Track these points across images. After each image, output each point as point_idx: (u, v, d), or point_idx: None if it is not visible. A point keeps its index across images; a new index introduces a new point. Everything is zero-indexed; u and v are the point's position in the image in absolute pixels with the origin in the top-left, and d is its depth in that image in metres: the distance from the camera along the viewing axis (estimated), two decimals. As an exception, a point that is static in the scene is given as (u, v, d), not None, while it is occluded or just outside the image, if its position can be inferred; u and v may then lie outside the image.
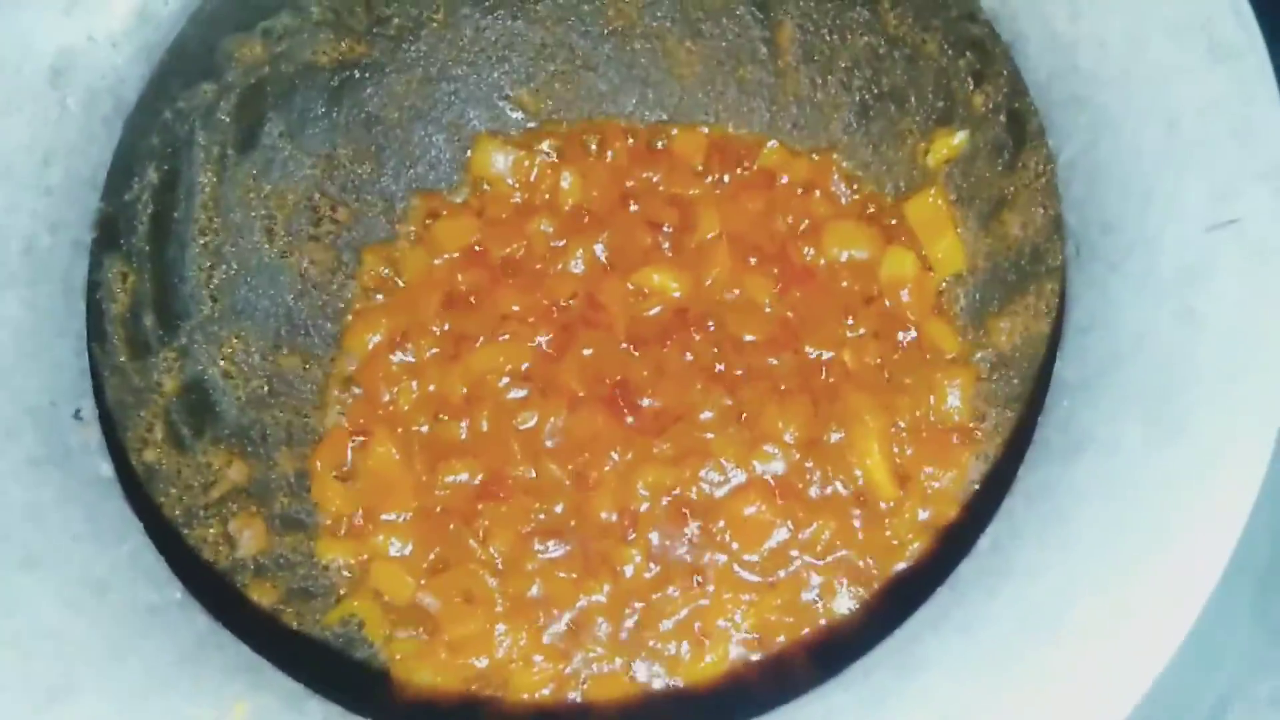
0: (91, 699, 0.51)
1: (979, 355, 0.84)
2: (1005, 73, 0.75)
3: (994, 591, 0.48)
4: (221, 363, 0.83)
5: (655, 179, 0.92)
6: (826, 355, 0.86)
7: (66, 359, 0.57)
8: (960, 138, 0.83)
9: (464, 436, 0.86)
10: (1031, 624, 0.47)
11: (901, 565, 0.82)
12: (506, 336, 0.88)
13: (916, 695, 0.47)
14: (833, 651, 0.77)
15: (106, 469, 0.55)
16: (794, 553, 0.83)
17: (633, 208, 0.91)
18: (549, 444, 0.85)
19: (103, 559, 0.52)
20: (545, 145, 0.93)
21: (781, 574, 0.82)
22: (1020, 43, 0.59)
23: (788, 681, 0.77)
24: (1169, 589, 0.47)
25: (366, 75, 0.88)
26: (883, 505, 0.83)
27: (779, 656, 0.80)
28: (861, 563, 0.83)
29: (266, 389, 0.86)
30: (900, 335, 0.86)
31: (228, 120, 0.79)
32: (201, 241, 0.81)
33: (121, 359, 0.73)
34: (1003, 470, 0.81)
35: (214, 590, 0.75)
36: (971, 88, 0.79)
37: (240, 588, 0.77)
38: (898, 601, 0.79)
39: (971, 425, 0.84)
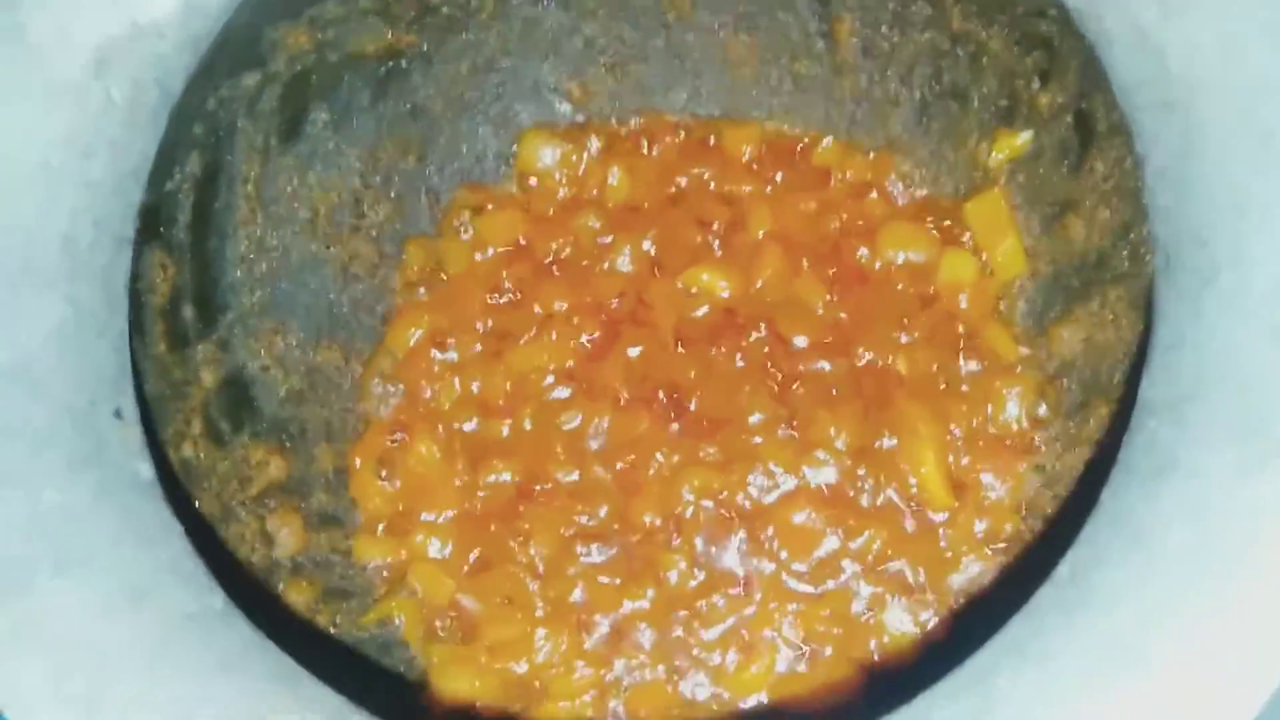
0: (128, 712, 0.49)
1: (1040, 363, 0.82)
2: (1073, 71, 0.74)
3: (1074, 622, 0.46)
4: (261, 356, 0.82)
5: (706, 176, 0.90)
6: (880, 360, 0.84)
7: (107, 357, 0.56)
8: (1024, 138, 0.81)
9: (506, 436, 0.85)
10: (1115, 657, 0.45)
11: (956, 577, 0.80)
12: (552, 335, 0.86)
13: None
14: (888, 672, 0.75)
15: (146, 470, 0.53)
16: (844, 562, 0.81)
17: (682, 205, 0.89)
18: (593, 445, 0.84)
19: (141, 565, 0.50)
20: (593, 140, 0.92)
21: (831, 584, 0.80)
22: (1105, 43, 0.57)
23: (842, 707, 0.74)
24: (1263, 623, 0.45)
25: (413, 66, 0.87)
26: (937, 516, 0.81)
27: (828, 674, 0.77)
28: (914, 575, 0.81)
29: (306, 384, 0.85)
30: (957, 341, 0.84)
31: (272, 110, 0.78)
32: (243, 233, 0.79)
33: (160, 351, 0.72)
34: (1063, 482, 0.79)
35: (251, 593, 0.73)
36: (1037, 87, 0.78)
37: (277, 590, 0.75)
38: (956, 620, 0.76)
39: (1030, 435, 0.82)
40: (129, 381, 0.57)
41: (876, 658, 0.79)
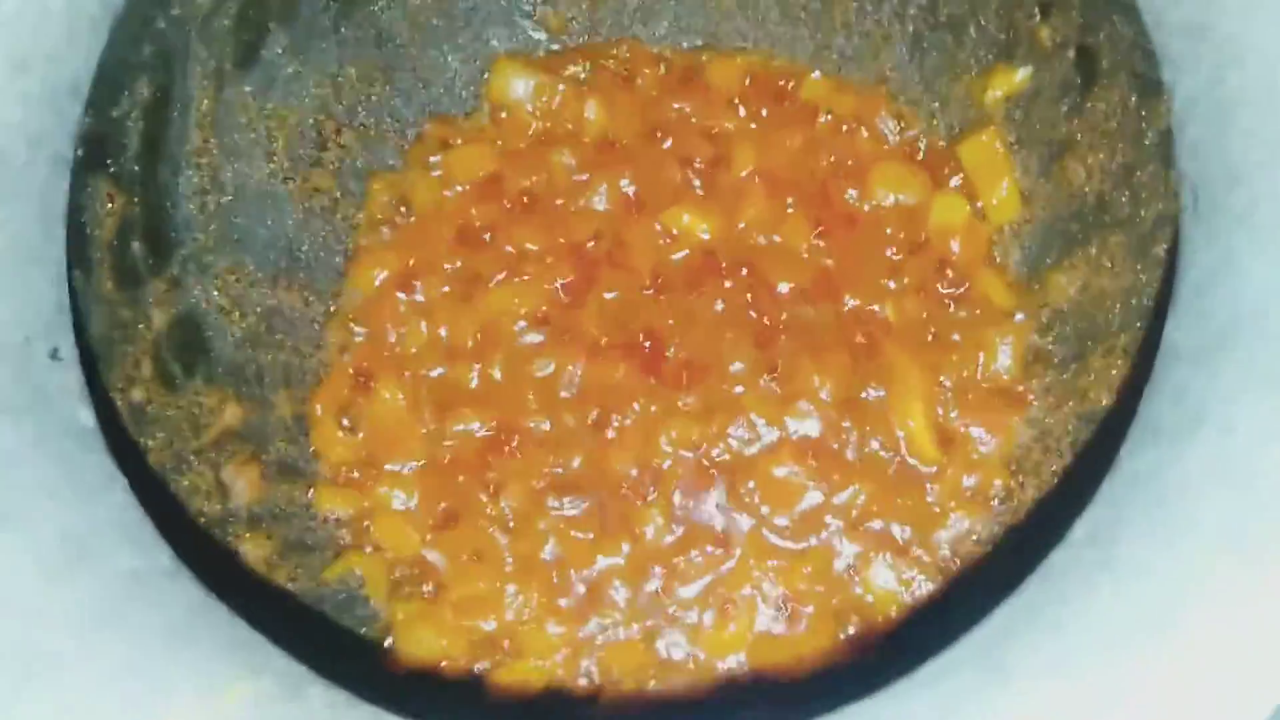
0: (69, 676, 0.45)
1: (1033, 311, 0.81)
2: (1077, 3, 0.71)
3: (1094, 588, 0.43)
4: (216, 296, 0.79)
5: (687, 110, 0.88)
6: (868, 307, 0.82)
7: (43, 290, 0.51)
8: (1023, 74, 0.79)
9: (475, 383, 0.83)
10: (1140, 628, 0.42)
11: (943, 534, 0.79)
12: (524, 277, 0.84)
13: (1007, 705, 0.41)
14: (879, 637, 0.73)
15: (87, 416, 0.49)
16: (827, 518, 0.79)
17: (662, 141, 0.87)
18: (566, 394, 0.82)
19: (81, 518, 0.46)
20: (569, 70, 0.89)
21: (813, 540, 0.79)
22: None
23: (833, 667, 0.72)
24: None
25: None
26: (924, 470, 0.80)
27: (811, 635, 0.75)
28: (900, 532, 0.79)
29: (264, 326, 0.82)
30: (948, 287, 0.83)
31: (227, 32, 0.75)
32: (196, 164, 0.76)
33: (107, 289, 0.69)
34: (1055, 435, 0.77)
35: (204, 549, 0.69)
36: (1038, 19, 0.76)
37: (232, 544, 0.71)
38: (953, 582, 0.74)
39: (1022, 387, 0.80)
40: (68, 319, 0.52)
41: (858, 618, 0.77)
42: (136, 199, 0.71)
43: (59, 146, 0.54)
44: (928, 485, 0.79)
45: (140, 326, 0.72)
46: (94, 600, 0.46)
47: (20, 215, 0.52)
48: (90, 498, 0.47)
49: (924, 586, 0.77)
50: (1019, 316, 0.81)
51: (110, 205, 0.69)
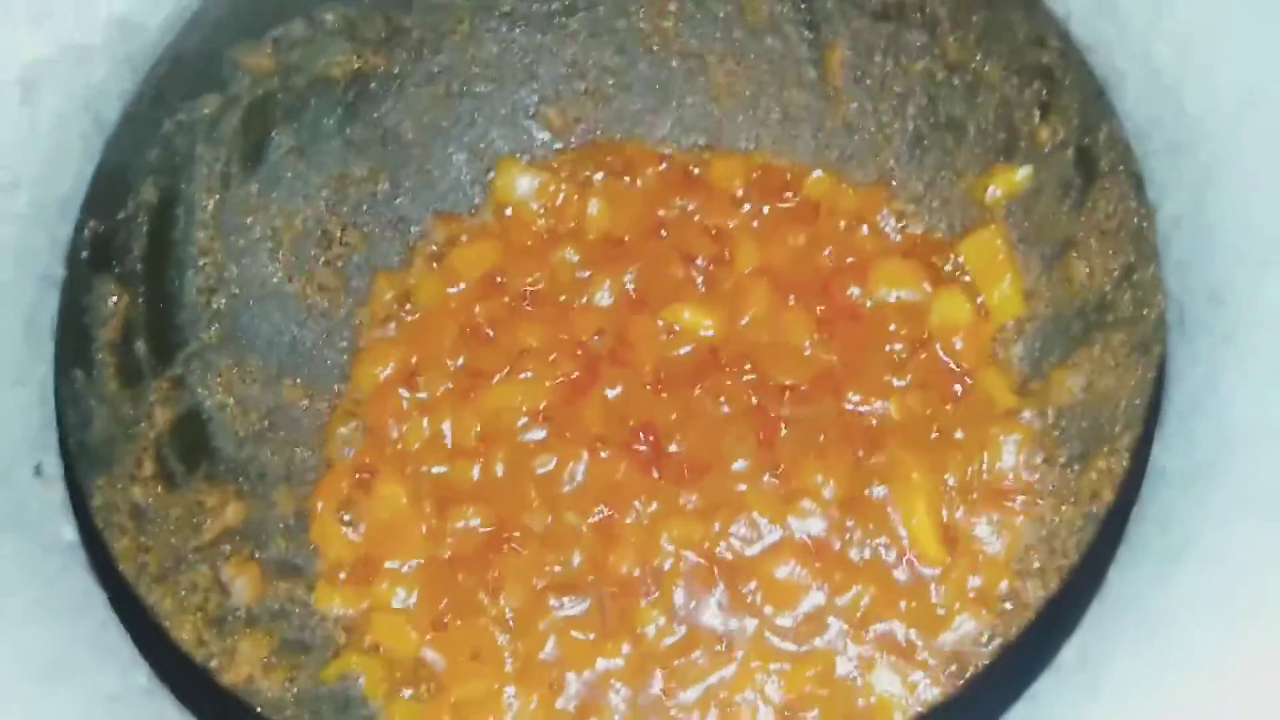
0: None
1: (1037, 410, 0.80)
2: (1076, 104, 0.71)
3: (1081, 716, 0.42)
4: (219, 394, 0.79)
5: (690, 208, 0.88)
6: (871, 404, 0.82)
7: (28, 408, 0.51)
8: (1023, 173, 0.79)
9: (476, 480, 0.83)
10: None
11: (948, 636, 0.77)
12: (526, 374, 0.84)
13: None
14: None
15: (68, 532, 0.49)
16: (830, 619, 0.78)
17: (665, 238, 0.87)
18: (567, 491, 0.81)
19: (59, 639, 0.46)
20: (573, 169, 0.90)
21: (816, 642, 0.78)
22: (1116, 81, 0.53)
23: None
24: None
25: (383, 89, 0.84)
26: (928, 571, 0.78)
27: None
28: (904, 634, 0.77)
29: (266, 423, 0.82)
30: (951, 385, 0.82)
31: (232, 134, 0.76)
32: (201, 264, 0.77)
33: (110, 389, 0.70)
34: (1060, 537, 0.76)
35: (182, 665, 0.69)
36: (1037, 120, 0.76)
37: (208, 663, 0.71)
38: (952, 690, 0.72)
39: (1028, 486, 0.79)
40: (53, 435, 0.52)
41: None
42: (141, 298, 0.72)
43: (47, 264, 0.54)
44: (932, 586, 0.78)
45: (142, 425, 0.73)
46: (71, 722, 0.45)
47: (6, 335, 0.52)
48: (69, 617, 0.47)
49: (929, 691, 0.76)
50: (1023, 415, 0.80)
51: (114, 304, 0.69)
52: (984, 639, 0.76)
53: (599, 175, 0.89)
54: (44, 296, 0.54)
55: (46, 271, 0.54)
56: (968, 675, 0.72)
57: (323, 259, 0.86)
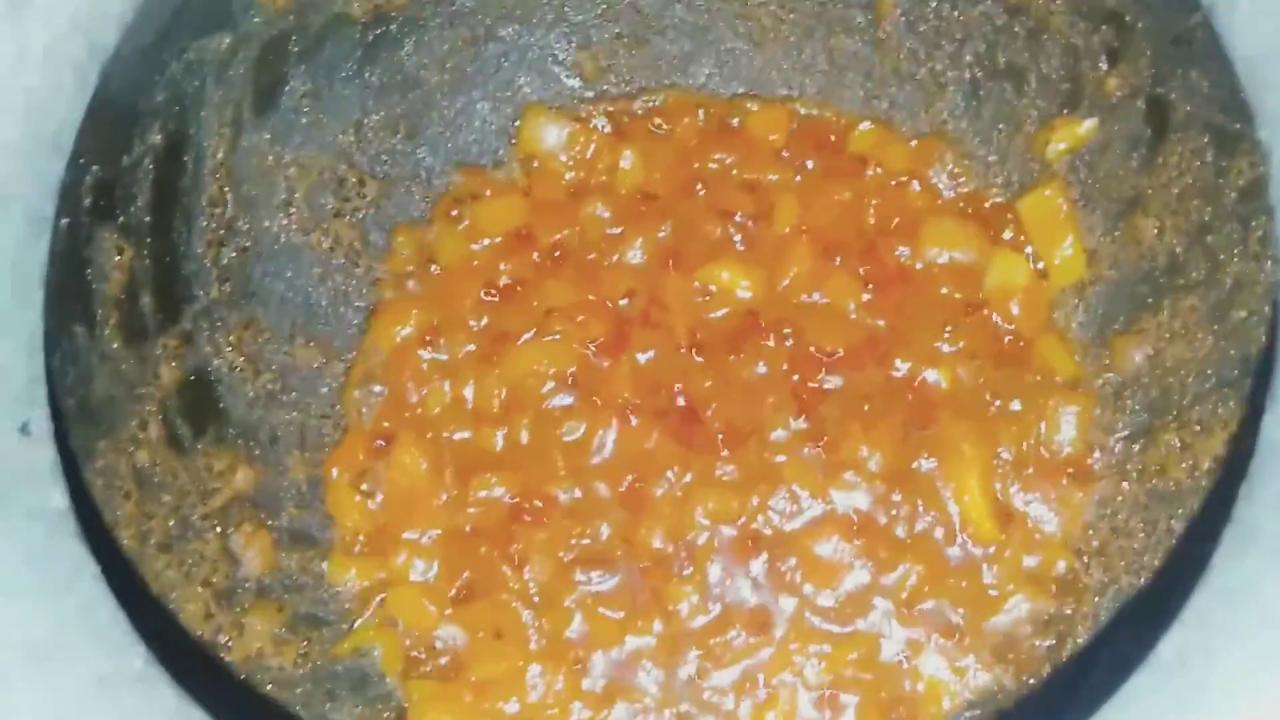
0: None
1: (1099, 379, 0.78)
2: (1149, 51, 0.70)
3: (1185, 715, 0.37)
4: (229, 352, 0.78)
5: (728, 161, 0.86)
6: (920, 372, 0.80)
7: (15, 361, 0.48)
8: (1088, 126, 0.77)
9: (500, 447, 0.81)
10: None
11: (1000, 620, 0.75)
12: (553, 336, 0.82)
13: None
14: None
15: (58, 498, 0.45)
16: (876, 599, 0.76)
17: (701, 193, 0.85)
18: (596, 460, 0.80)
19: (45, 617, 0.42)
20: (604, 118, 0.88)
21: (860, 624, 0.76)
22: (1225, 7, 0.48)
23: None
24: None
25: (404, 31, 0.83)
26: (980, 549, 0.77)
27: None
28: (954, 615, 0.75)
29: (279, 384, 0.81)
30: (1007, 353, 0.80)
31: (244, 77, 0.74)
32: (210, 214, 0.76)
33: (113, 346, 0.68)
34: (1125, 517, 0.73)
35: (182, 643, 0.66)
36: (1105, 68, 0.74)
37: (213, 643, 0.69)
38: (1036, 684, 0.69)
39: (1087, 461, 0.77)
40: (41, 389, 0.49)
41: (906, 710, 0.74)
42: (146, 251, 0.71)
43: (35, 203, 0.50)
44: (984, 566, 0.76)
45: (148, 386, 0.71)
46: (56, 712, 0.41)
47: (-11, 282, 0.49)
48: (57, 592, 0.43)
49: (979, 677, 0.74)
50: (1083, 385, 0.78)
51: (119, 258, 0.68)
52: (1040, 622, 0.74)
53: (631, 124, 0.88)
54: (32, 240, 0.51)
55: (35, 212, 0.50)
56: (1049, 669, 0.68)
57: (339, 211, 0.84)
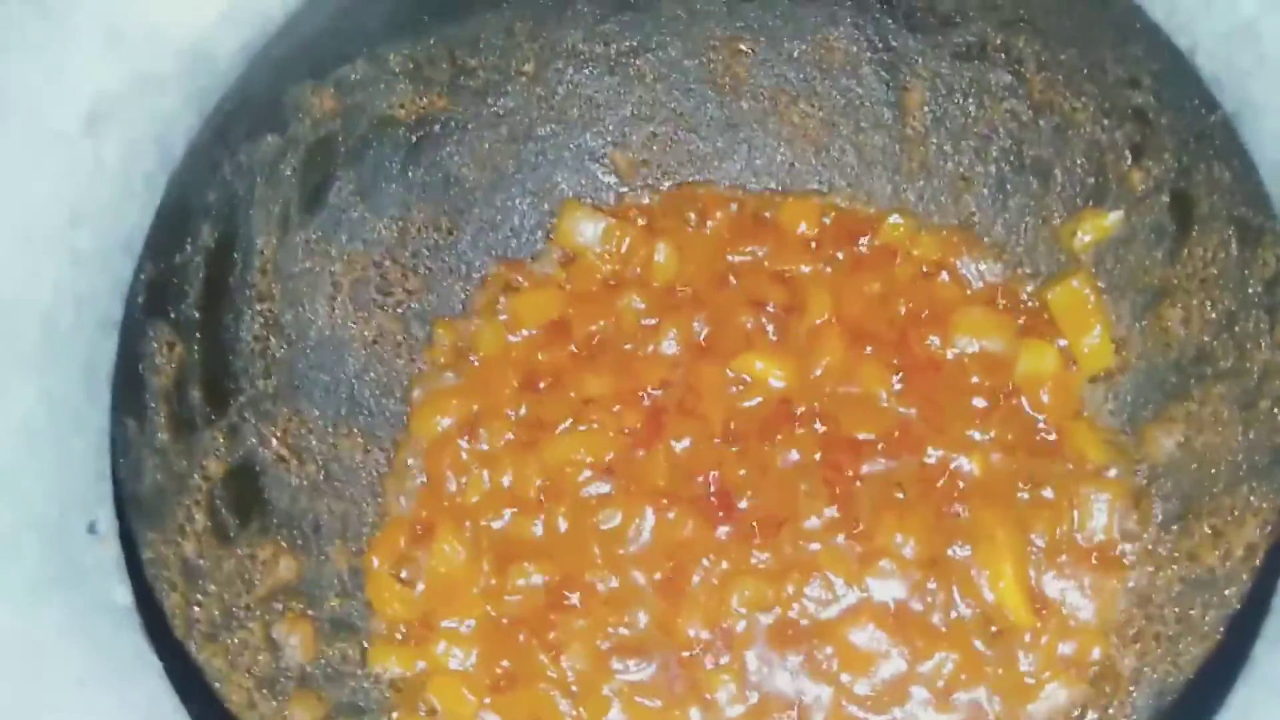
0: None
1: (1131, 467, 0.78)
2: (1172, 146, 0.71)
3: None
4: (274, 444, 0.78)
5: (761, 254, 0.86)
6: (952, 459, 0.80)
7: (83, 459, 0.49)
8: (1114, 218, 0.78)
9: (538, 535, 0.81)
10: None
11: (1037, 707, 0.75)
12: (590, 425, 0.82)
13: None
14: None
15: (122, 595, 0.46)
16: (912, 688, 0.75)
17: (734, 285, 0.85)
18: (633, 548, 0.80)
19: (110, 709, 0.43)
20: (639, 213, 0.89)
21: (897, 713, 0.75)
22: (1250, 114, 0.49)
23: None
24: None
25: (447, 132, 0.84)
26: (1016, 636, 0.76)
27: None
28: (991, 703, 0.75)
29: (322, 474, 0.81)
30: (1038, 440, 0.80)
31: (292, 177, 0.75)
32: (258, 309, 0.76)
33: (161, 439, 0.68)
34: (1159, 604, 0.73)
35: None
36: (1129, 163, 0.75)
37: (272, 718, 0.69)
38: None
39: (1121, 548, 0.76)
40: (108, 488, 0.50)
41: None
42: (196, 346, 0.71)
43: (107, 307, 0.52)
44: (1020, 653, 0.75)
45: (195, 477, 0.71)
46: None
47: (63, 382, 0.50)
48: (121, 685, 0.44)
49: None
50: (1114, 472, 0.78)
51: (170, 353, 0.68)
52: (1076, 711, 0.74)
53: (665, 219, 0.88)
54: (103, 341, 0.52)
55: (106, 315, 0.52)
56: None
57: (382, 305, 0.84)
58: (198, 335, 0.71)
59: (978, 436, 0.80)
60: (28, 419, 0.49)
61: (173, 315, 0.68)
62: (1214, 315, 0.70)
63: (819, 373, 0.82)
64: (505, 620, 0.79)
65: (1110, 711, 0.71)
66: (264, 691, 0.71)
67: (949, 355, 0.82)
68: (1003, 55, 0.77)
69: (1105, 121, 0.75)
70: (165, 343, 0.68)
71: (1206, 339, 0.71)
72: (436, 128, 0.83)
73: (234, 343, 0.75)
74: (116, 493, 0.52)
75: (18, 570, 0.46)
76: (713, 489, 0.80)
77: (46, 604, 0.46)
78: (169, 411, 0.69)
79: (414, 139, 0.82)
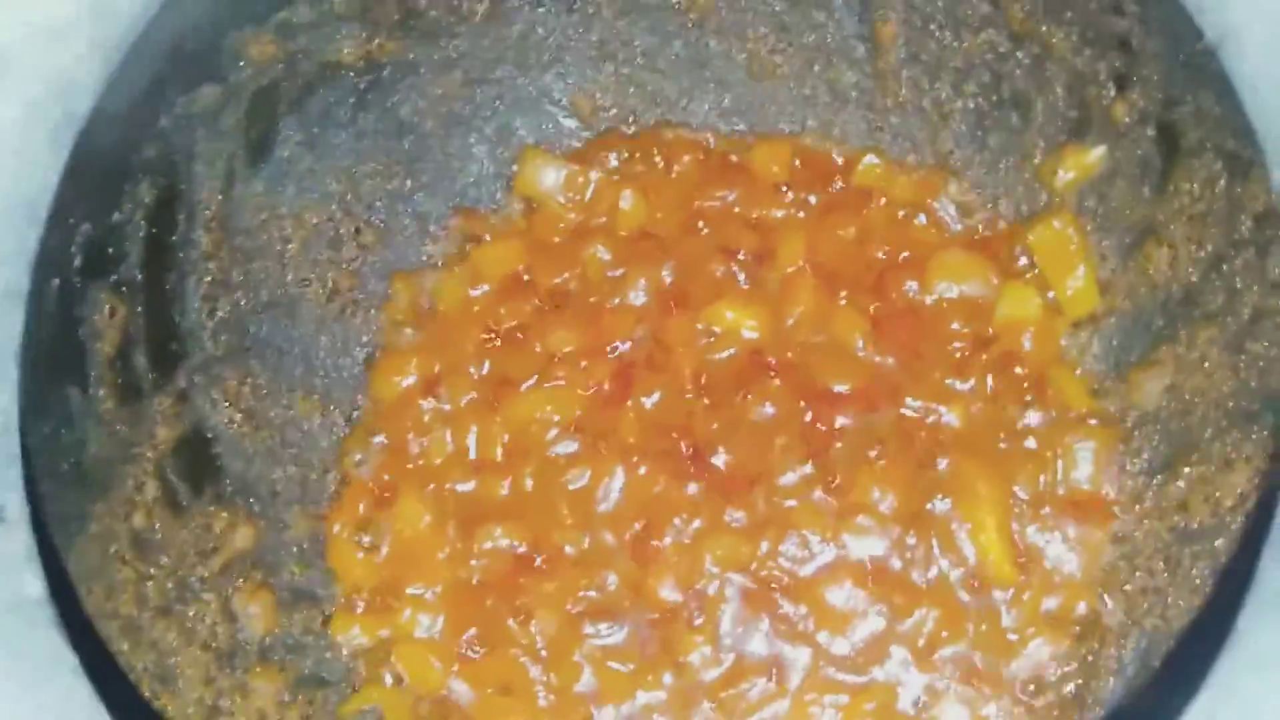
0: None
1: (1116, 414, 0.76)
2: (1158, 76, 0.69)
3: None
4: (226, 409, 0.78)
5: (730, 198, 0.85)
6: (931, 410, 0.79)
7: (-11, 442, 0.46)
8: (1097, 154, 0.76)
9: (504, 497, 0.80)
10: None
11: (1020, 664, 0.74)
12: (556, 381, 0.81)
13: None
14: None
15: (33, 585, 0.43)
16: (892, 647, 0.75)
17: (703, 232, 0.84)
18: (602, 508, 0.79)
19: (20, 712, 0.40)
20: (603, 159, 0.87)
21: (877, 672, 0.75)
22: (1233, 39, 0.46)
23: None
24: None
25: (397, 76, 0.82)
26: (998, 592, 0.75)
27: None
28: (974, 660, 0.74)
29: (278, 439, 0.80)
30: (1020, 388, 0.78)
31: (236, 128, 0.74)
32: (204, 269, 0.75)
33: (107, 407, 0.68)
34: (1147, 555, 0.72)
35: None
36: (1112, 95, 0.73)
37: (232, 693, 0.69)
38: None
39: (1106, 498, 0.75)
40: (17, 470, 0.47)
41: None
42: (140, 309, 0.70)
43: (11, 274, 0.49)
44: (1003, 609, 0.75)
45: (144, 446, 0.71)
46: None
47: (-39, 359, 0.48)
48: (32, 685, 0.41)
49: None
50: (1100, 420, 0.76)
51: (112, 317, 0.68)
52: (1062, 666, 0.73)
53: (631, 164, 0.87)
54: (8, 312, 0.49)
55: (10, 284, 0.49)
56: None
57: (336, 261, 0.84)
58: (141, 298, 0.70)
59: (958, 386, 0.79)
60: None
61: (114, 278, 0.67)
62: (1202, 254, 0.69)
63: (792, 322, 0.82)
64: (472, 584, 0.78)
65: (1097, 667, 0.70)
66: (223, 666, 0.71)
67: (927, 301, 0.81)
68: (979, -18, 0.76)
69: (1087, 51, 0.73)
70: (106, 307, 0.67)
71: (1194, 279, 0.70)
72: (386, 72, 0.81)
73: (180, 305, 0.74)
74: (29, 478, 0.49)
75: (-84, 563, 0.44)
76: (684, 446, 0.79)
77: (-49, 599, 0.44)
78: (114, 379, 0.68)
79: (362, 85, 0.81)
